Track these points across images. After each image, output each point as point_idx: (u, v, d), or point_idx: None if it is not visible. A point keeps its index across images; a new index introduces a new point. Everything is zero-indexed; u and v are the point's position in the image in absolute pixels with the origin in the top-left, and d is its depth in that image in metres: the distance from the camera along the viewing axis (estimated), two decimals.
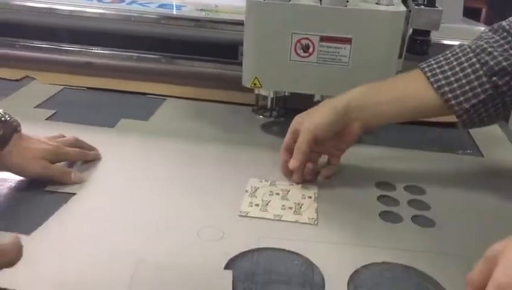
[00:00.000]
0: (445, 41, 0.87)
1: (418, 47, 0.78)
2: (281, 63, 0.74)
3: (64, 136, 0.68)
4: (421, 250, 0.55)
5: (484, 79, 0.60)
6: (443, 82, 0.61)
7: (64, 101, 0.89)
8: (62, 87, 0.95)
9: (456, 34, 0.89)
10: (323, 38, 0.72)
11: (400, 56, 0.75)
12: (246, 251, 0.53)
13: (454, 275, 0.51)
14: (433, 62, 0.63)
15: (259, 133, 0.82)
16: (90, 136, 0.75)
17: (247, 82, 0.76)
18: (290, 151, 0.65)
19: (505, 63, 0.59)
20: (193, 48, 0.98)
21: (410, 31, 0.79)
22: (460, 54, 0.62)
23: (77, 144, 0.68)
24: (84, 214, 0.58)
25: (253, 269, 0.51)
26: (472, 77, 0.60)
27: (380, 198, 0.65)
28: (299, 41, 0.72)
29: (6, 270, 0.40)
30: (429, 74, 0.61)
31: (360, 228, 0.59)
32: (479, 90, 0.60)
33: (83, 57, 1.02)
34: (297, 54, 0.73)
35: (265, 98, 0.82)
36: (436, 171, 0.73)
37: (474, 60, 0.60)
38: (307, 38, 0.72)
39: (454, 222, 0.61)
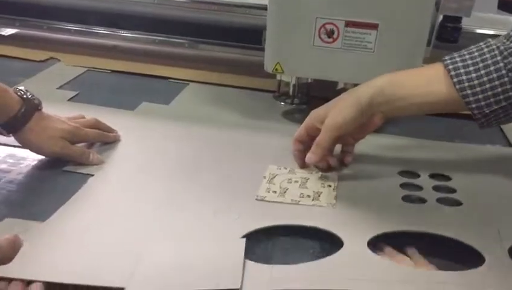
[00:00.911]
0: (478, 30, 0.83)
1: (448, 34, 0.75)
2: (304, 48, 0.72)
3: (85, 117, 0.68)
4: (451, 223, 0.55)
5: (508, 86, 0.56)
6: (466, 84, 0.57)
7: (87, 83, 0.90)
8: (86, 69, 0.95)
9: (490, 23, 0.85)
10: (348, 24, 0.69)
11: (429, 43, 0.72)
12: (263, 228, 0.53)
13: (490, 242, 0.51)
14: (458, 59, 0.59)
15: (280, 120, 0.80)
16: (111, 118, 0.75)
17: (269, 67, 0.75)
18: (302, 142, 0.65)
19: None
20: (216, 32, 0.97)
21: (441, 17, 0.76)
22: (487, 55, 0.58)
23: (97, 125, 0.68)
24: (101, 198, 0.58)
25: (269, 241, 0.52)
26: (496, 82, 0.56)
27: (403, 185, 0.63)
28: (323, 26, 0.70)
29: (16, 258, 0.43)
30: (453, 72, 0.58)
31: (382, 208, 0.58)
32: (501, 97, 0.57)
33: (107, 40, 1.03)
34: (321, 39, 0.71)
35: (287, 84, 0.81)
36: (462, 160, 0.70)
37: (501, 64, 0.56)
38: (332, 23, 0.70)
39: (483, 201, 0.60)
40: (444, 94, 0.59)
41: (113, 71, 0.95)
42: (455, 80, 0.58)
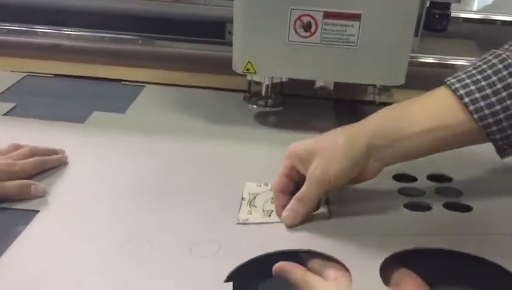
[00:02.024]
0: (466, 15, 0.76)
1: (436, 22, 0.68)
2: (278, 44, 0.63)
3: (20, 147, 0.58)
4: (462, 233, 0.49)
5: None
6: (486, 112, 0.46)
7: (26, 91, 0.78)
8: (24, 74, 0.83)
9: (480, 7, 0.79)
10: (327, 15, 0.61)
11: (416, 34, 0.65)
12: (249, 261, 0.44)
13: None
14: (468, 81, 0.47)
15: (253, 125, 0.71)
16: (57, 133, 0.66)
17: (238, 67, 0.66)
18: (285, 192, 0.51)
19: None
20: (174, 26, 0.87)
21: (428, 3, 0.69)
22: (505, 72, 0.46)
23: (35, 153, 0.57)
24: (50, 237, 0.48)
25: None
26: None
27: (402, 190, 0.56)
28: (299, 18, 0.61)
29: None
30: (466, 99, 0.46)
31: (383, 219, 0.51)
32: None
33: (48, 39, 0.91)
34: (297, 34, 0.62)
35: (259, 83, 0.72)
36: (458, 155, 0.64)
37: None
38: (309, 15, 0.61)
39: (493, 203, 0.53)
40: (461, 127, 0.47)
41: (56, 75, 0.84)
42: (471, 108, 0.46)
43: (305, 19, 0.62)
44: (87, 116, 0.70)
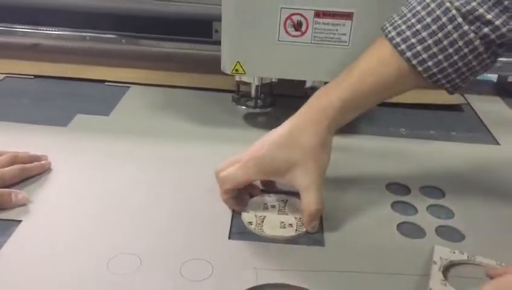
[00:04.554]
0: None
1: None
2: (267, 44, 0.61)
3: (0, 153, 0.55)
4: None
5: (485, 56, 0.48)
6: (435, 70, 0.49)
7: (5, 93, 0.75)
8: (3, 76, 0.80)
9: None
10: (318, 14, 0.59)
11: None
12: None
13: None
14: (403, 27, 0.49)
15: (242, 127, 0.70)
16: (39, 138, 0.63)
17: (227, 68, 0.64)
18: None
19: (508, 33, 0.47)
20: (159, 25, 0.85)
21: None
22: (444, 19, 0.47)
23: (16, 160, 0.54)
24: (33, 249, 0.45)
25: None
26: (466, 52, 0.47)
27: (395, 206, 0.54)
28: (289, 17, 0.60)
29: None
30: (408, 53, 0.49)
31: (377, 248, 0.48)
32: (474, 64, 0.49)
33: (27, 39, 0.88)
34: (288, 33, 0.61)
35: (247, 83, 0.70)
36: (450, 165, 0.63)
37: (465, 27, 0.46)
38: (299, 14, 0.59)
39: (486, 231, 0.51)
40: (403, 79, 0.50)
41: (36, 76, 0.81)
42: (414, 62, 0.49)
43: (296, 18, 0.60)
44: (69, 119, 0.68)
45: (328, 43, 0.61)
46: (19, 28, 0.87)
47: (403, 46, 0.49)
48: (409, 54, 0.49)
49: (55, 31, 0.86)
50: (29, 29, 0.87)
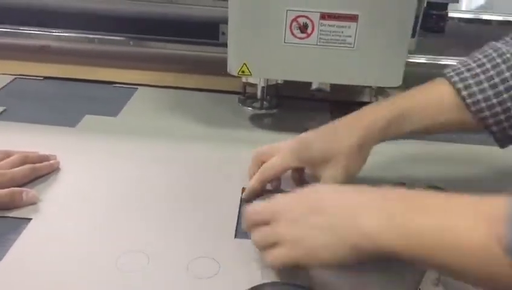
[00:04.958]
0: (463, 16, 0.75)
1: (433, 23, 0.67)
2: (274, 46, 0.62)
3: (11, 153, 0.56)
4: None
5: None
6: (483, 105, 0.48)
7: (16, 94, 0.76)
8: (14, 77, 0.81)
9: (477, 6, 0.79)
10: (324, 16, 0.60)
11: (413, 35, 0.64)
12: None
13: None
14: (467, 74, 0.49)
15: (248, 128, 0.70)
16: (48, 138, 0.64)
17: (233, 70, 0.64)
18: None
19: None
20: (166, 27, 0.85)
21: (425, 4, 0.68)
22: (503, 66, 0.47)
23: (25, 160, 0.55)
24: (43, 247, 0.46)
25: None
26: None
27: None
28: (295, 19, 0.60)
29: None
30: (464, 93, 0.48)
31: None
32: None
33: (37, 40, 0.89)
34: (294, 35, 0.61)
35: (254, 85, 0.71)
36: (454, 169, 0.63)
37: None
38: (305, 16, 0.60)
39: None
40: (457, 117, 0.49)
41: (46, 78, 0.82)
42: (468, 101, 0.48)
43: (302, 20, 0.61)
44: (78, 120, 0.69)
45: (334, 45, 0.62)
46: (28, 30, 0.88)
47: (460, 85, 0.49)
48: (464, 92, 0.48)
49: (64, 33, 0.88)
50: (38, 31, 0.88)
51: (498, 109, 0.47)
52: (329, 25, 0.61)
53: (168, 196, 0.54)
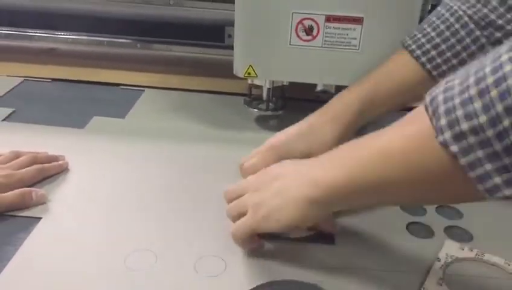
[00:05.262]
0: None
1: None
2: (279, 48, 0.63)
3: (20, 154, 0.57)
4: None
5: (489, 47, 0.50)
6: (444, 68, 0.51)
7: (24, 96, 0.77)
8: (22, 79, 0.82)
9: None
10: (329, 18, 0.61)
11: None
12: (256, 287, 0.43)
13: None
14: (423, 40, 0.52)
15: (254, 129, 0.71)
16: (57, 139, 0.65)
17: (239, 71, 0.65)
18: None
19: None
20: (173, 30, 0.86)
21: (429, 6, 0.69)
22: (457, 26, 0.50)
23: (36, 160, 0.56)
24: (53, 245, 0.47)
25: None
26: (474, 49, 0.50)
27: (411, 227, 0.52)
28: (300, 22, 0.61)
29: None
30: (429, 66, 0.51)
31: (387, 247, 0.49)
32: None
33: (45, 43, 0.90)
34: (299, 37, 0.62)
35: (259, 87, 0.71)
36: None
37: (477, 33, 0.49)
38: (310, 19, 0.61)
39: (495, 231, 0.52)
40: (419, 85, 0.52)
41: (54, 80, 0.83)
42: (434, 73, 0.51)
43: (307, 23, 0.61)
44: (86, 121, 0.70)
45: (339, 47, 0.62)
46: (36, 33, 0.89)
47: (418, 52, 0.51)
48: (423, 58, 0.51)
49: (71, 35, 0.89)
50: (46, 34, 0.89)
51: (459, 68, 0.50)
52: (334, 28, 0.61)
53: (175, 196, 0.55)
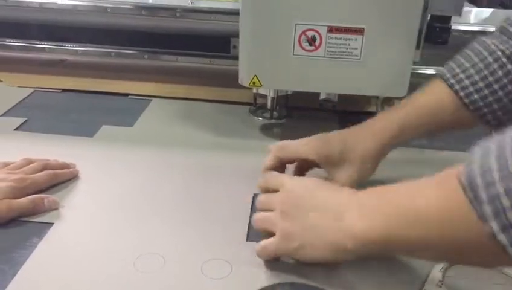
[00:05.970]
0: (465, 28, 0.78)
1: (436, 35, 0.69)
2: (283, 58, 0.64)
3: (32, 161, 0.58)
4: None
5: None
6: (481, 104, 0.52)
7: (35, 106, 0.79)
8: (33, 90, 0.84)
9: (479, 19, 0.81)
10: (331, 29, 0.63)
11: (418, 46, 0.66)
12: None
13: None
14: (462, 76, 0.53)
15: (258, 137, 0.73)
16: (67, 148, 0.67)
17: (245, 81, 0.67)
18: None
19: None
20: (179, 41, 0.88)
21: (429, 17, 0.70)
22: (490, 59, 0.52)
23: (47, 166, 0.58)
24: (66, 250, 0.49)
25: None
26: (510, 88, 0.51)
27: None
28: (304, 32, 0.63)
29: None
30: (462, 93, 0.52)
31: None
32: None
33: (55, 55, 0.92)
34: (302, 48, 0.64)
35: (264, 96, 0.73)
36: None
37: (509, 67, 0.51)
38: (313, 30, 0.63)
39: None
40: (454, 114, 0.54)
41: (64, 90, 0.85)
42: (466, 100, 0.52)
43: (310, 34, 0.63)
44: (96, 130, 0.71)
45: (341, 57, 0.64)
46: (46, 45, 0.91)
47: (457, 87, 0.53)
48: (457, 87, 0.53)
49: (81, 47, 0.91)
50: (56, 46, 0.91)
51: (491, 98, 0.52)
52: (337, 38, 0.63)
53: (182, 202, 0.56)
